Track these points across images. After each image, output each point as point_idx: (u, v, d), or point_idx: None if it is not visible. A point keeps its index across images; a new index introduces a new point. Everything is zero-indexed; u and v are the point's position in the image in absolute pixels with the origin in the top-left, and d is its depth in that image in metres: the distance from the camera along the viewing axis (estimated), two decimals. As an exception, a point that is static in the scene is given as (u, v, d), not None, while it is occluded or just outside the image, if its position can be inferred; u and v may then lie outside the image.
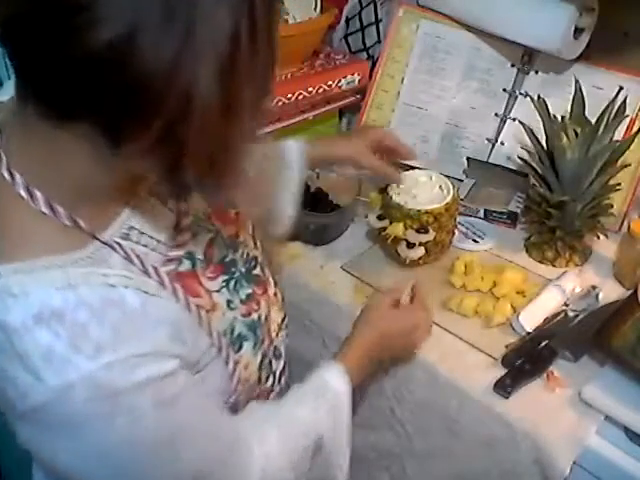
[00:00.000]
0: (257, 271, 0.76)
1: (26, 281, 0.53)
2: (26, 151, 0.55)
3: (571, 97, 1.01)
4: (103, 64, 0.45)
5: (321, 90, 1.28)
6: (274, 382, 0.79)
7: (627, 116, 1.00)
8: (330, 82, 1.29)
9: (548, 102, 1.01)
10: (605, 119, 0.97)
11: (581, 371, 0.87)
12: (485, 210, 1.16)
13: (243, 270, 0.74)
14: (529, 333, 0.92)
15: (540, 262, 1.07)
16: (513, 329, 0.94)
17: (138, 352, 0.54)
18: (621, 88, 1.02)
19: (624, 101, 0.98)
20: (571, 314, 0.95)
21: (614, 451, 0.78)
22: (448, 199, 1.00)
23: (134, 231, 0.62)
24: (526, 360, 0.88)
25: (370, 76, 1.32)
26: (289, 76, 1.26)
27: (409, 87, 1.29)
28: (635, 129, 1.08)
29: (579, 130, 0.98)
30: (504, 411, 0.84)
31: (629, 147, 1.00)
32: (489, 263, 1.05)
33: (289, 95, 1.23)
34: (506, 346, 0.91)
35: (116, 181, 0.58)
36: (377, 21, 1.39)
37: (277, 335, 0.80)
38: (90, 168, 0.54)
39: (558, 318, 0.95)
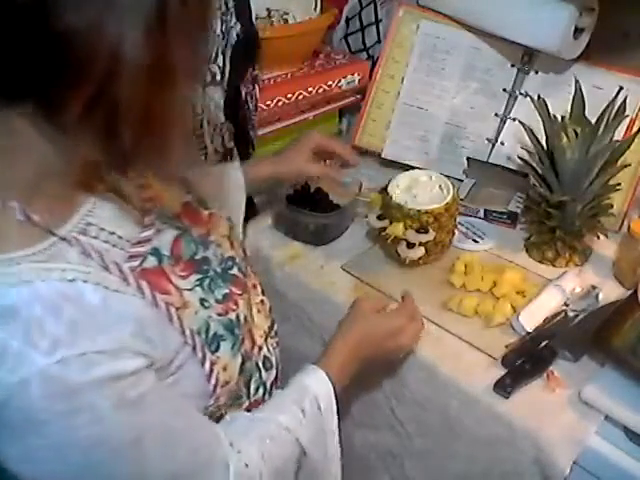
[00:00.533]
0: (234, 271, 0.75)
1: None
2: None
3: (571, 97, 1.01)
4: (25, 22, 0.45)
5: (321, 90, 1.28)
6: (265, 393, 0.79)
7: (627, 116, 1.00)
8: (330, 82, 1.29)
9: (548, 102, 1.01)
10: (605, 119, 0.97)
11: (581, 371, 0.87)
12: (485, 210, 1.16)
13: (218, 270, 0.72)
14: (529, 333, 0.92)
15: (540, 262, 1.07)
16: (513, 329, 0.94)
17: (96, 348, 0.53)
18: (621, 88, 1.02)
19: (624, 101, 0.98)
20: (571, 314, 0.95)
21: (614, 451, 0.78)
22: (448, 199, 1.00)
23: (93, 227, 0.61)
24: (526, 360, 0.88)
25: (370, 76, 1.32)
26: (289, 76, 1.26)
27: (409, 87, 1.29)
28: (635, 129, 1.08)
29: (579, 130, 0.98)
30: (504, 411, 0.84)
31: (629, 147, 1.00)
32: (489, 263, 1.05)
33: (289, 95, 1.23)
34: (506, 346, 0.91)
35: (68, 168, 0.57)
36: (377, 21, 1.39)
37: (265, 342, 0.79)
38: (40, 154, 0.54)
39: (558, 318, 0.95)
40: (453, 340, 0.94)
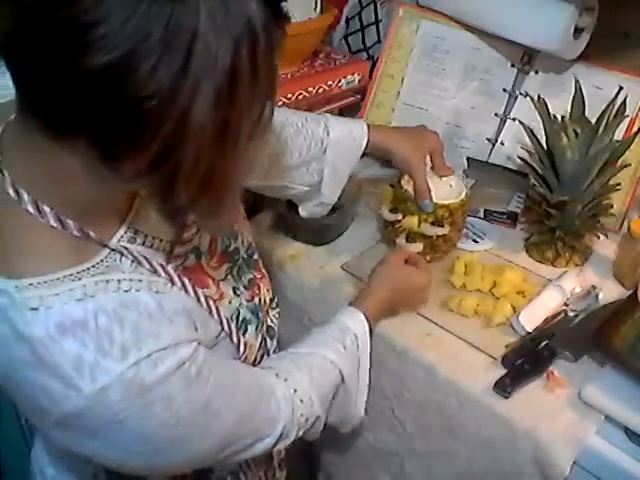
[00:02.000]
0: (256, 256, 0.81)
1: (44, 294, 0.55)
2: (29, 167, 0.56)
3: (571, 97, 1.01)
4: (100, 84, 0.46)
5: (321, 90, 1.28)
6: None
7: (627, 116, 1.00)
8: (330, 82, 1.29)
9: (548, 102, 1.01)
10: (605, 119, 0.97)
11: (581, 371, 0.87)
12: (485, 210, 1.16)
13: (245, 256, 0.78)
14: (529, 333, 0.92)
15: (540, 262, 1.07)
16: (513, 329, 0.94)
17: (159, 347, 0.57)
18: (621, 88, 1.02)
19: (624, 101, 0.98)
20: (571, 314, 0.96)
21: (614, 451, 0.78)
22: (462, 196, 1.00)
23: (140, 234, 0.64)
24: (526, 360, 0.88)
25: (370, 76, 1.32)
26: (289, 76, 1.26)
27: (409, 87, 1.29)
28: (635, 129, 1.08)
29: (579, 130, 0.98)
30: (504, 411, 0.84)
31: (629, 147, 1.00)
32: (489, 263, 1.05)
33: (289, 95, 1.23)
34: (506, 346, 0.91)
35: (114, 198, 0.61)
36: (377, 21, 1.39)
37: (268, 313, 0.84)
38: (88, 185, 0.55)
39: (558, 318, 0.95)
40: (453, 340, 0.94)
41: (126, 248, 0.62)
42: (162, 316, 0.60)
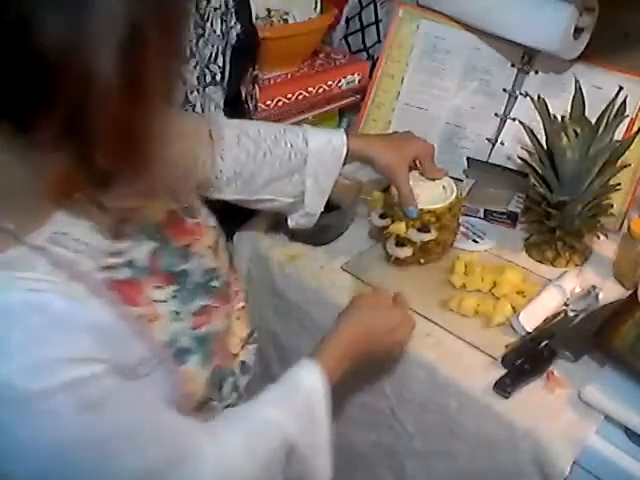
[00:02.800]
0: (215, 283, 0.74)
1: None
2: None
3: (571, 97, 1.01)
4: (7, 44, 0.45)
5: (321, 90, 1.28)
6: (239, 397, 0.79)
7: (627, 116, 1.00)
8: (330, 82, 1.29)
9: (548, 102, 1.01)
10: (605, 119, 0.97)
11: (581, 371, 0.87)
12: (485, 210, 1.16)
13: (200, 281, 0.72)
14: (529, 333, 0.92)
15: (540, 262, 1.07)
16: (513, 329, 0.94)
17: (57, 356, 0.53)
18: (621, 88, 1.02)
19: (624, 101, 0.98)
20: (571, 314, 0.95)
21: (614, 451, 0.78)
22: (451, 199, 1.00)
23: (66, 236, 0.60)
24: (526, 360, 0.88)
25: (370, 76, 1.32)
26: (289, 76, 1.26)
27: (409, 87, 1.29)
28: (635, 129, 1.08)
29: (579, 130, 0.98)
30: (504, 411, 0.84)
31: (629, 147, 1.00)
32: (489, 263, 1.05)
33: (289, 95, 1.23)
34: (506, 346, 0.91)
35: (42, 181, 0.57)
36: (377, 21, 1.39)
37: (242, 349, 0.79)
38: (11, 168, 0.54)
39: (558, 318, 0.95)
40: (453, 340, 0.94)
41: (46, 249, 0.58)
42: (69, 326, 0.55)
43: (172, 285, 0.68)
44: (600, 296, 0.98)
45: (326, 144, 0.96)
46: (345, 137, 0.98)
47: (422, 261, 1.04)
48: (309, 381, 0.77)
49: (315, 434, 0.77)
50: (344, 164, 0.98)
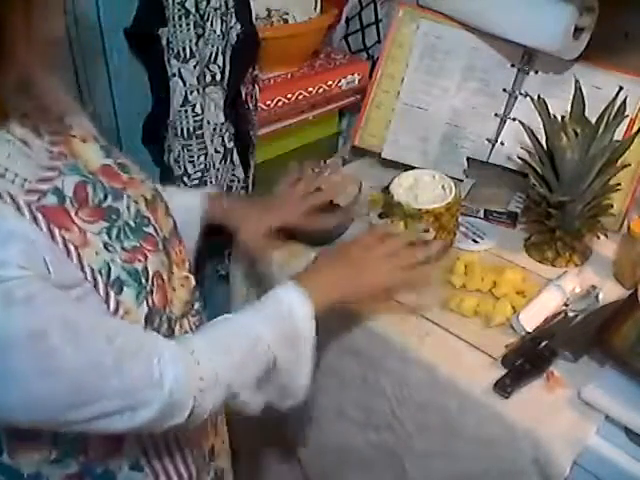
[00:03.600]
0: (149, 230, 0.73)
1: None
2: None
3: (571, 97, 1.01)
4: None
5: (321, 90, 1.28)
6: None
7: (627, 116, 1.00)
8: (330, 82, 1.29)
9: (548, 102, 1.01)
10: (605, 119, 0.97)
11: (581, 371, 0.87)
12: (485, 210, 1.16)
13: (131, 223, 0.71)
14: (529, 333, 0.92)
15: (540, 262, 1.07)
16: (513, 329, 0.94)
17: None
18: (621, 88, 1.02)
19: (624, 101, 0.98)
20: (571, 314, 0.95)
21: (614, 451, 0.78)
22: (449, 199, 1.00)
23: None
24: (526, 360, 0.88)
25: (370, 76, 1.32)
26: (289, 76, 1.26)
27: (409, 87, 1.29)
28: (635, 129, 1.08)
29: (579, 130, 0.98)
30: (504, 411, 0.84)
31: (629, 147, 1.00)
32: (489, 263, 1.05)
33: (289, 95, 1.23)
34: (506, 346, 0.91)
35: None
36: (377, 21, 1.39)
37: (186, 317, 0.78)
38: None
39: (558, 318, 0.95)
40: (453, 340, 0.94)
41: None
42: None
43: (102, 221, 0.68)
44: (600, 296, 0.98)
45: (179, 206, 0.89)
46: (199, 202, 0.96)
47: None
48: (290, 296, 0.77)
49: (298, 345, 0.76)
50: (203, 226, 0.96)
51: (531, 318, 0.93)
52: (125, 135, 1.16)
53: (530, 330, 0.92)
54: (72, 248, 0.62)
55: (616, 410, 0.80)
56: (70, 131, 0.72)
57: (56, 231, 0.62)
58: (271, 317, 0.76)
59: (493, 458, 0.87)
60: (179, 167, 1.14)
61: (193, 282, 0.81)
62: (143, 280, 0.69)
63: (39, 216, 0.61)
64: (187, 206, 0.93)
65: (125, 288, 0.67)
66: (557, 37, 1.10)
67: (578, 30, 1.11)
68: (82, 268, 0.63)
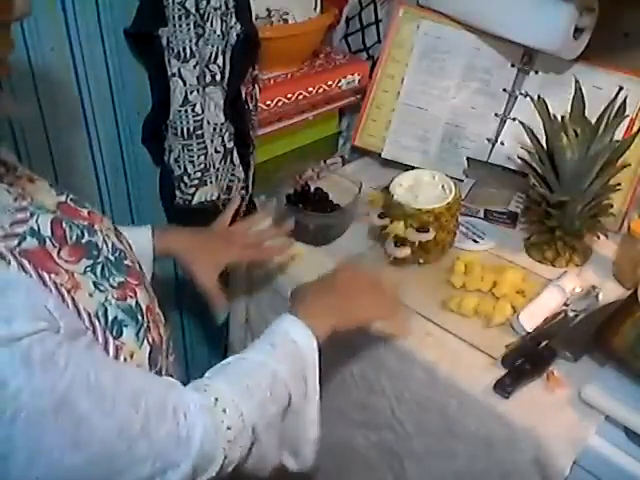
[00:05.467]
0: (128, 262, 0.69)
1: None
2: None
3: (571, 97, 1.01)
4: None
5: (321, 90, 1.28)
6: None
7: (627, 116, 1.00)
8: (330, 82, 1.29)
9: (548, 102, 1.01)
10: (605, 119, 0.97)
11: (581, 371, 0.87)
12: (485, 210, 1.16)
13: (111, 258, 0.67)
14: (529, 333, 0.92)
15: (540, 262, 1.07)
16: (513, 329, 0.94)
17: None
18: (621, 88, 1.02)
19: (624, 101, 0.98)
20: (571, 314, 0.95)
21: (614, 451, 0.78)
22: (449, 199, 1.00)
23: None
24: (526, 360, 0.88)
25: (370, 76, 1.32)
26: (289, 76, 1.26)
27: (409, 87, 1.29)
28: (635, 129, 1.08)
29: (579, 130, 0.98)
30: (504, 411, 0.84)
31: (629, 147, 1.00)
32: (489, 263, 1.05)
33: (289, 95, 1.23)
34: (506, 346, 0.91)
35: None
36: (377, 21, 1.38)
37: (168, 356, 0.74)
38: None
39: (558, 318, 0.95)
40: (453, 340, 0.94)
41: None
42: None
43: (84, 259, 0.63)
44: (600, 296, 0.98)
45: (132, 243, 0.84)
46: (148, 236, 0.94)
47: (421, 261, 1.04)
48: (287, 325, 0.76)
49: (306, 381, 0.74)
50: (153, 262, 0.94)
51: (531, 318, 0.93)
52: (125, 135, 1.16)
53: (530, 330, 0.93)
54: (65, 293, 0.58)
55: (616, 410, 0.80)
56: (16, 171, 0.67)
57: (46, 276, 0.57)
58: (283, 354, 0.74)
59: (493, 458, 0.87)
60: (179, 167, 1.14)
61: (163, 319, 0.76)
62: (139, 317, 0.65)
63: (24, 262, 0.55)
64: (138, 243, 0.88)
65: (124, 329, 0.63)
66: (557, 37, 1.10)
67: (578, 30, 1.11)
68: (79, 314, 0.58)
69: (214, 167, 1.16)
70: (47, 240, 0.61)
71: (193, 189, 1.16)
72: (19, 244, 0.58)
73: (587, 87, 1.02)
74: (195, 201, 1.17)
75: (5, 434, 0.48)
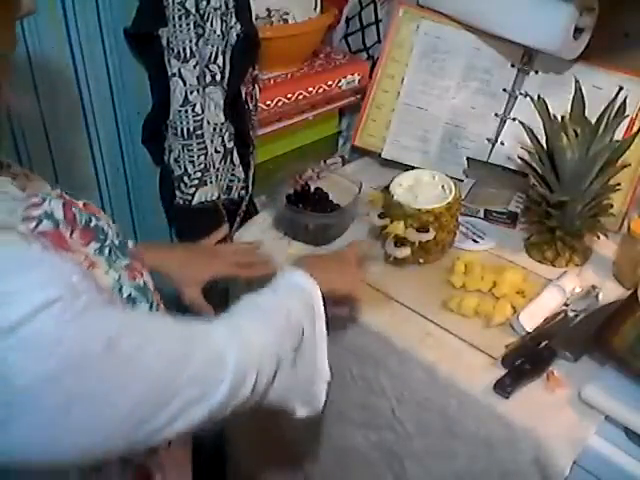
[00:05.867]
0: (131, 247, 0.72)
1: None
2: None
3: (571, 97, 1.01)
4: None
5: (321, 90, 1.28)
6: None
7: (627, 116, 1.00)
8: (330, 82, 1.29)
9: (548, 102, 1.01)
10: (605, 119, 0.97)
11: (581, 371, 0.87)
12: (485, 210, 1.16)
13: (116, 242, 0.69)
14: (529, 333, 0.92)
15: (540, 262, 1.07)
16: (513, 329, 0.94)
17: (20, 286, 0.50)
18: (621, 88, 1.02)
19: (624, 101, 0.98)
20: (571, 314, 0.95)
21: (614, 451, 0.78)
22: (449, 199, 1.00)
23: None
24: (526, 360, 0.88)
25: (370, 76, 1.32)
26: (289, 76, 1.26)
27: (409, 87, 1.29)
28: (635, 129, 1.08)
29: (579, 130, 0.98)
30: (504, 411, 0.84)
31: (629, 147, 1.00)
32: (489, 263, 1.05)
33: (289, 95, 1.23)
34: (506, 346, 0.91)
35: None
36: (377, 21, 1.39)
37: None
38: None
39: (558, 318, 0.95)
40: (453, 340, 0.94)
41: None
42: (22, 262, 0.52)
43: (93, 242, 0.66)
44: (600, 296, 0.98)
45: None
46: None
47: (421, 261, 1.04)
48: (299, 278, 0.79)
49: (314, 321, 0.78)
50: None
51: (531, 318, 0.93)
52: (125, 135, 1.16)
53: (530, 330, 0.92)
54: (86, 269, 0.60)
55: (616, 410, 0.80)
56: (10, 168, 0.69)
57: (65, 255, 0.59)
58: (294, 294, 0.78)
59: (493, 458, 0.87)
60: (179, 167, 1.14)
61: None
62: (149, 296, 0.68)
63: (45, 242, 0.58)
64: None
65: (139, 305, 0.66)
66: (557, 37, 1.10)
67: (578, 30, 1.11)
68: (101, 287, 0.60)
69: (214, 167, 1.16)
70: (60, 223, 0.63)
71: (193, 189, 1.16)
72: (37, 226, 0.60)
73: (587, 87, 1.02)
74: (195, 201, 1.17)
75: (66, 383, 0.50)
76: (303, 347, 0.76)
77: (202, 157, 1.14)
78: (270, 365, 0.69)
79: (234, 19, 1.08)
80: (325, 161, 1.37)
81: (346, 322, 0.98)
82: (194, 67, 1.07)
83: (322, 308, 0.79)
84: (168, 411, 0.57)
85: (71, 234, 0.64)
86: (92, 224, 0.68)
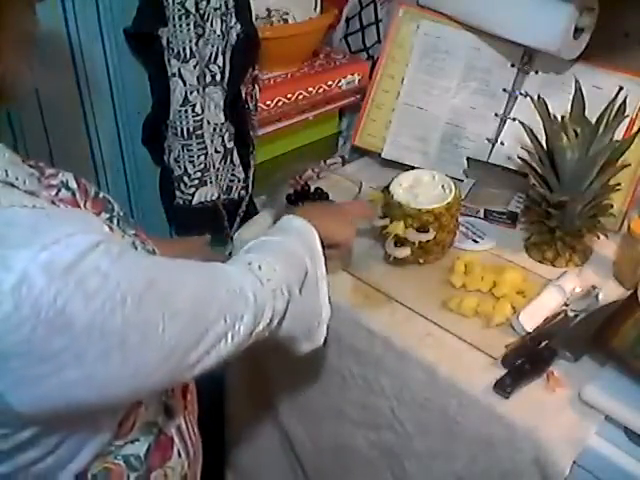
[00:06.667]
0: (133, 221, 0.76)
1: None
2: None
3: (571, 97, 1.01)
4: None
5: (321, 90, 1.28)
6: None
7: (627, 116, 1.00)
8: (330, 82, 1.29)
9: (548, 102, 1.01)
10: (605, 119, 0.97)
11: (581, 371, 0.87)
12: (485, 210, 1.16)
13: (121, 214, 0.73)
14: (529, 333, 0.92)
15: (540, 262, 1.07)
16: (513, 329, 0.94)
17: (66, 232, 0.53)
18: (621, 88, 1.01)
19: (624, 101, 0.98)
20: (571, 314, 0.95)
21: (614, 451, 0.78)
22: (449, 199, 1.00)
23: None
24: (526, 360, 0.88)
25: (370, 76, 1.32)
26: (289, 76, 1.26)
27: (409, 87, 1.29)
28: (635, 129, 1.08)
29: (579, 130, 0.98)
30: (504, 411, 0.84)
31: (629, 147, 1.00)
32: (489, 263, 1.05)
33: (289, 95, 1.23)
34: (506, 346, 0.91)
35: None
36: (377, 21, 1.39)
37: None
38: None
39: (558, 318, 0.95)
40: (453, 340, 0.94)
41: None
42: (58, 215, 0.57)
43: (103, 212, 0.71)
44: (600, 296, 0.98)
45: None
46: None
47: (421, 261, 1.04)
48: (299, 222, 0.84)
49: (314, 259, 0.82)
50: None
51: (531, 318, 0.93)
52: (125, 135, 1.16)
53: (530, 330, 0.92)
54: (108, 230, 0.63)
55: (616, 410, 0.80)
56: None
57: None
58: (296, 235, 0.82)
59: (493, 458, 0.87)
60: (179, 167, 1.14)
61: None
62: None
63: (69, 207, 0.63)
64: None
65: None
66: (557, 37, 1.10)
67: (578, 30, 1.11)
68: None
69: (214, 167, 1.16)
70: (76, 192, 0.68)
71: (193, 189, 1.16)
72: (57, 194, 0.65)
73: (587, 87, 1.02)
74: (195, 201, 1.17)
75: (118, 319, 0.54)
76: (307, 283, 0.80)
77: (202, 157, 1.14)
78: (283, 298, 0.74)
79: (234, 19, 1.08)
80: (325, 161, 1.37)
81: (340, 266, 1.04)
82: (194, 67, 1.07)
83: (320, 250, 0.83)
84: (204, 344, 0.61)
85: (85, 204, 0.68)
86: (100, 195, 0.72)
